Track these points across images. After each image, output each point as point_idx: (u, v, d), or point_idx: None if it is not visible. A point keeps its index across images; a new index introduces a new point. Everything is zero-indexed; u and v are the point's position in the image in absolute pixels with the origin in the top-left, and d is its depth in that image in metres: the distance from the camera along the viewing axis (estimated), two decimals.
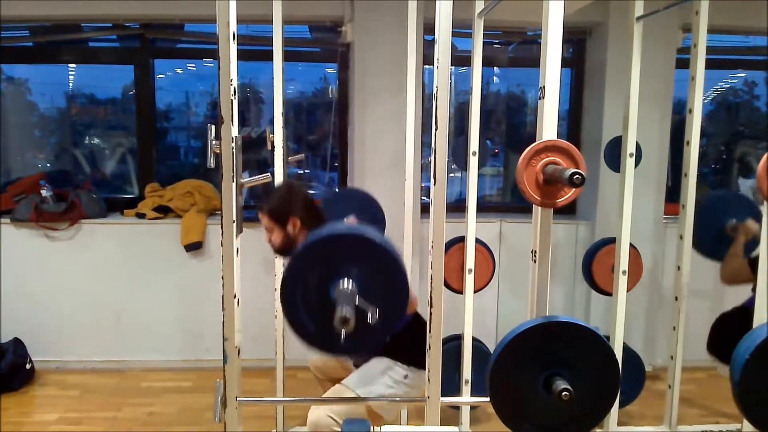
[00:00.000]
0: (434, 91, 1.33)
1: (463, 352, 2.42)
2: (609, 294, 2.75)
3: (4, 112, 3.93)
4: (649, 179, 3.46)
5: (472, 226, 2.37)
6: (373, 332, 1.18)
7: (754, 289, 2.29)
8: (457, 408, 2.66)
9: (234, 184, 1.35)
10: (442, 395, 1.45)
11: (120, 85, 4.08)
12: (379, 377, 2.09)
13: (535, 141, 1.19)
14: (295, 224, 2.09)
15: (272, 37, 2.40)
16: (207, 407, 3.04)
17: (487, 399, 1.17)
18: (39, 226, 3.43)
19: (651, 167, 3.41)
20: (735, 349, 1.18)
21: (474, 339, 2.50)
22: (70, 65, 4.01)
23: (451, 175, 3.81)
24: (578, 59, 3.82)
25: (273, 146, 2.45)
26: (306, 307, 1.19)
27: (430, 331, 1.41)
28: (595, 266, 2.86)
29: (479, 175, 2.38)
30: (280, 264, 2.49)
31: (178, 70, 4.14)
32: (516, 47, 3.92)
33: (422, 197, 3.47)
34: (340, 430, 1.50)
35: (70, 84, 4.08)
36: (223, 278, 1.40)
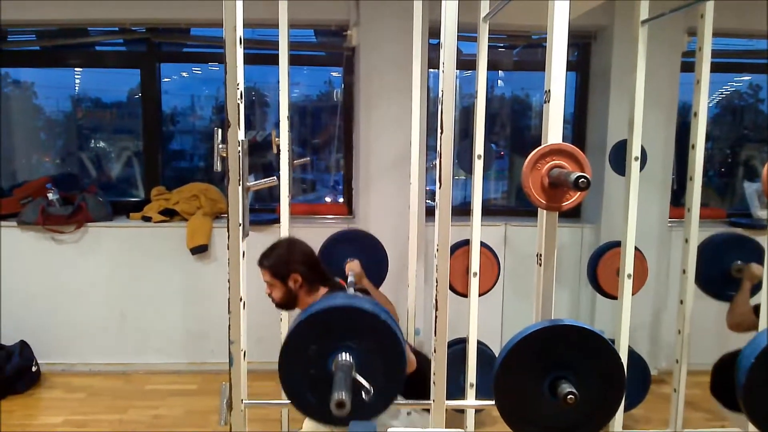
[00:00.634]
0: (440, 95, 1.33)
1: (468, 355, 2.41)
2: (614, 297, 2.73)
3: (11, 115, 3.96)
4: (655, 183, 3.45)
5: (477, 229, 2.36)
6: (372, 406, 1.17)
7: None
8: (462, 411, 2.66)
9: (240, 188, 1.35)
10: (447, 398, 1.45)
11: (126, 88, 4.10)
12: None
13: (540, 144, 1.19)
14: (296, 280, 2.11)
15: (278, 41, 2.41)
16: (212, 410, 3.04)
17: (493, 402, 1.17)
18: (45, 229, 3.45)
19: (656, 171, 3.41)
20: (740, 352, 1.18)
21: (479, 342, 2.49)
22: (76, 69, 4.04)
23: (456, 178, 3.82)
24: (583, 63, 3.82)
25: (278, 149, 2.46)
26: (306, 381, 1.18)
27: (435, 335, 1.42)
28: (600, 270, 2.86)
29: (484, 179, 2.38)
30: None
31: (184, 74, 4.16)
32: (521, 51, 3.93)
33: (427, 200, 3.48)
34: None
35: (77, 87, 4.11)
36: (229, 281, 1.40)
